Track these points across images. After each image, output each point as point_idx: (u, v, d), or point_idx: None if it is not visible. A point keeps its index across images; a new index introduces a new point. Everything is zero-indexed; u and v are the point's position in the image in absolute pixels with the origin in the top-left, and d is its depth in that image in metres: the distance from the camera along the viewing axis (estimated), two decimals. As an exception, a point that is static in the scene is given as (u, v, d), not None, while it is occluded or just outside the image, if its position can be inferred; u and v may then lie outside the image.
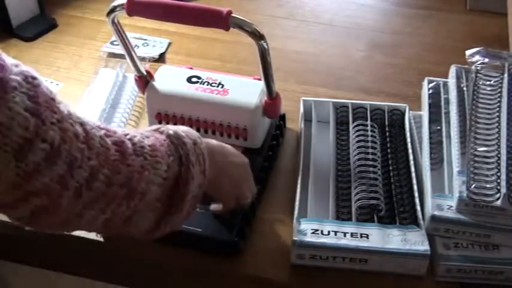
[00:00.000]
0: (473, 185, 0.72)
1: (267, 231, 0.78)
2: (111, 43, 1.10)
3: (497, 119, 0.79)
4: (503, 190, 0.70)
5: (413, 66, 1.08)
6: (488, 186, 0.72)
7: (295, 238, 0.72)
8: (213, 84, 0.84)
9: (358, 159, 0.82)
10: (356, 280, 0.73)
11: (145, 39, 1.12)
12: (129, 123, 0.94)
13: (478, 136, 0.78)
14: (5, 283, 0.94)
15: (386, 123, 0.89)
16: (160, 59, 1.08)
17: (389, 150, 0.85)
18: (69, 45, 1.12)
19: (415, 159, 0.83)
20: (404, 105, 0.91)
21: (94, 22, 1.18)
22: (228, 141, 0.76)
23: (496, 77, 0.85)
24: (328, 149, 0.86)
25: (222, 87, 0.83)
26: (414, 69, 1.07)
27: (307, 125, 0.90)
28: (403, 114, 0.90)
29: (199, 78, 0.85)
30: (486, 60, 0.87)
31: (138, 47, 1.09)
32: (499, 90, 0.83)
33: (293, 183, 0.82)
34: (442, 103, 0.88)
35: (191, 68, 0.90)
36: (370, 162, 0.81)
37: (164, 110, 0.85)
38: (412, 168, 0.81)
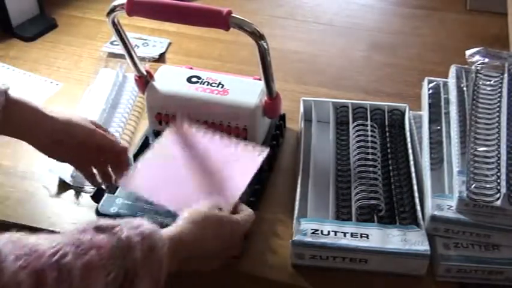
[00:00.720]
0: (473, 185, 0.72)
1: (267, 231, 0.78)
2: (111, 43, 1.10)
3: (497, 119, 0.79)
4: (503, 190, 0.71)
5: (413, 66, 1.08)
6: (488, 186, 0.72)
7: (295, 238, 0.72)
8: (213, 84, 0.84)
9: (358, 159, 0.82)
10: (356, 280, 0.73)
11: (145, 39, 1.12)
12: (129, 123, 0.94)
13: (478, 136, 0.78)
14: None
15: (387, 123, 0.89)
16: (160, 59, 1.09)
17: (389, 150, 0.85)
18: (69, 45, 1.12)
19: (415, 159, 0.83)
20: (404, 105, 0.91)
21: (94, 22, 1.18)
22: (228, 141, 0.77)
23: (496, 77, 0.85)
24: (328, 149, 0.86)
25: (222, 87, 0.83)
26: (414, 69, 1.07)
27: (307, 125, 0.90)
28: (403, 114, 0.90)
29: (199, 78, 0.85)
30: (486, 60, 0.87)
31: (138, 47, 1.10)
32: (499, 90, 0.83)
33: (293, 183, 0.82)
34: (442, 103, 0.88)
35: (191, 68, 0.90)
36: (370, 162, 0.81)
37: (164, 110, 0.85)
38: (412, 168, 0.81)
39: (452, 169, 0.78)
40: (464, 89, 0.87)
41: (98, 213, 0.76)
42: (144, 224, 0.59)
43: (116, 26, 0.77)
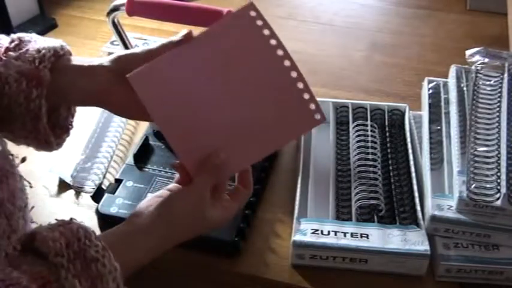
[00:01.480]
0: (473, 185, 0.72)
1: (267, 231, 0.78)
2: (111, 43, 1.10)
3: (497, 119, 0.79)
4: (503, 190, 0.71)
5: (413, 66, 1.08)
6: (488, 186, 0.72)
7: (295, 238, 0.72)
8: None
9: (358, 159, 0.82)
10: (356, 280, 0.73)
11: (145, 39, 1.12)
12: (129, 122, 0.94)
13: (478, 136, 0.78)
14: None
15: (386, 123, 0.89)
16: (160, 59, 1.08)
17: (389, 150, 0.85)
18: (69, 45, 1.11)
19: (415, 159, 0.83)
20: (404, 105, 0.91)
21: (94, 22, 1.18)
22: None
23: (496, 77, 0.85)
24: (328, 149, 0.86)
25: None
26: (414, 69, 1.07)
27: (307, 125, 0.90)
28: (403, 114, 0.90)
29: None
30: (486, 60, 0.87)
31: (138, 47, 1.09)
32: (499, 90, 0.83)
33: (293, 183, 0.82)
34: (442, 103, 0.88)
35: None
36: (370, 162, 0.81)
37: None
38: (412, 168, 0.81)
39: (452, 169, 0.78)
40: (464, 89, 0.87)
41: (98, 213, 0.76)
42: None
43: (116, 26, 0.77)
